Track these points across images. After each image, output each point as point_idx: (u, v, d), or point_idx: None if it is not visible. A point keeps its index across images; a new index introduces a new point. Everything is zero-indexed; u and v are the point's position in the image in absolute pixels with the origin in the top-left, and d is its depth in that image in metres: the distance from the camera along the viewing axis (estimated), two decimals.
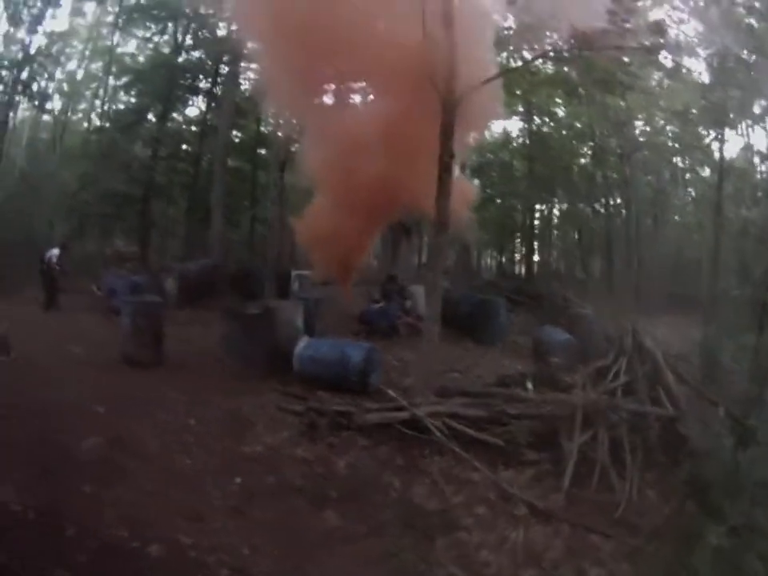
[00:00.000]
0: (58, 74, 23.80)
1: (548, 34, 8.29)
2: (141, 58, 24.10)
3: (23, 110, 24.10)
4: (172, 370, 9.39)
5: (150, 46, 23.85)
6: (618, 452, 6.63)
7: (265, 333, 9.60)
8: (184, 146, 23.83)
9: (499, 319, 13.90)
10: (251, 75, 21.60)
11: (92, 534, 4.88)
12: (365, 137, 13.53)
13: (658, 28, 8.93)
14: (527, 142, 24.88)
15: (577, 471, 6.36)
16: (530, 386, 8.63)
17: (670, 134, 19.56)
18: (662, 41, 9.03)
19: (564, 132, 22.99)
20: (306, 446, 6.82)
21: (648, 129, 20.55)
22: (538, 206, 26.89)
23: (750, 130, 17.19)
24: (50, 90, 23.24)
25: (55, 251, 14.15)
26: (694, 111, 17.44)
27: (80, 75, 25.01)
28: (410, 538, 5.37)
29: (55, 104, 24.10)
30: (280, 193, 17.57)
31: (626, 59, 9.10)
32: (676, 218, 24.83)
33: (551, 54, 8.42)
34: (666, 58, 9.47)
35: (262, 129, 24.72)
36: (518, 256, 30.74)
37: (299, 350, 9.26)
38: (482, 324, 13.49)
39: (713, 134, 17.90)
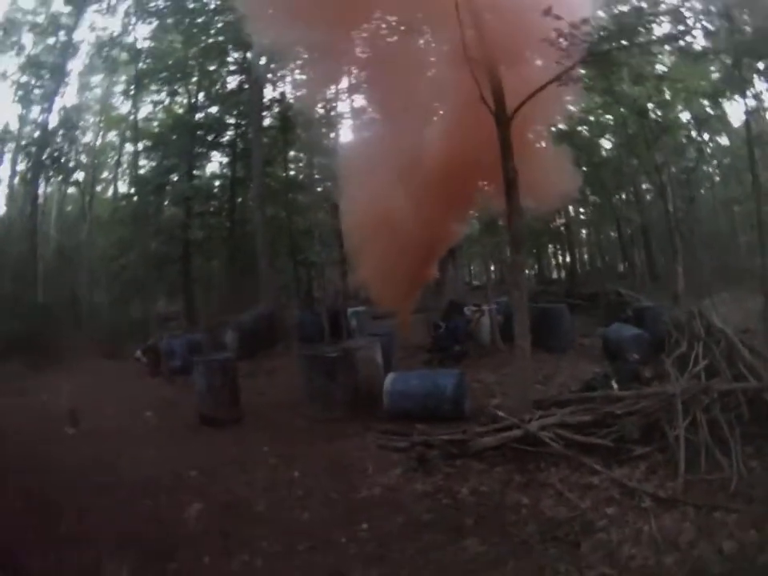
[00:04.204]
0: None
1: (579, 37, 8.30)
2: (155, 123, 24.68)
3: (49, 184, 24.87)
4: (254, 424, 9.38)
5: (164, 108, 24.42)
6: (716, 432, 6.73)
7: (347, 374, 9.62)
8: (214, 201, 24.17)
9: (564, 325, 13.69)
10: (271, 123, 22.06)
11: None
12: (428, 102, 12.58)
13: (677, 15, 9.05)
14: None
15: (684, 457, 6.46)
16: (614, 384, 8.73)
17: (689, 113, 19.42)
18: (681, 27, 9.08)
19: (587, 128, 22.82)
20: (424, 480, 6.80)
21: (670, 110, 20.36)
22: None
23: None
24: (72, 163, 23.97)
25: None
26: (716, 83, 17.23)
27: (98, 145, 25.73)
28: (555, 548, 5.38)
29: (79, 175, 24.75)
30: (335, 233, 17.46)
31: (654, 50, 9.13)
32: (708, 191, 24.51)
33: (588, 58, 8.46)
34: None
35: (291, 173, 25.00)
36: (554, 260, 30.62)
37: (388, 386, 9.22)
38: (548, 333, 13.08)
39: (737, 101, 17.69)
